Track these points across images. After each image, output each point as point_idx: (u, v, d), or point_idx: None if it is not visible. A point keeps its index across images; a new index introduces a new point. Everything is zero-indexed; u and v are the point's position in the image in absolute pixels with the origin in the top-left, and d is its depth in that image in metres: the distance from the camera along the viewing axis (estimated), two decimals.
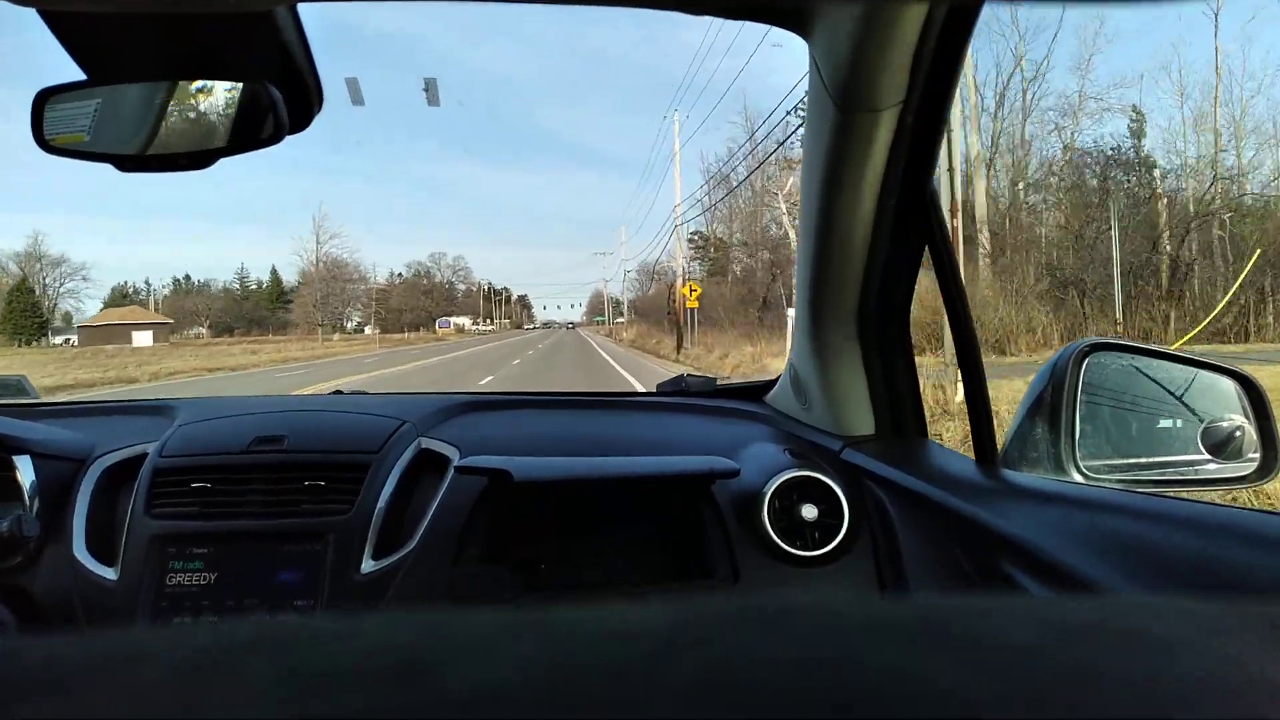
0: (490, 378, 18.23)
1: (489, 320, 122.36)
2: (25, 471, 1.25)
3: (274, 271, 75.56)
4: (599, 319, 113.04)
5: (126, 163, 0.87)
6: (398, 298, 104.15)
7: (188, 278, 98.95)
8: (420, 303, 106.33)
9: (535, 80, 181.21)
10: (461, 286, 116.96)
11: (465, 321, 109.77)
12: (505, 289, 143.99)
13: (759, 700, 0.21)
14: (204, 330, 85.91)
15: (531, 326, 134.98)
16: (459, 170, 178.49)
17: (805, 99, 1.15)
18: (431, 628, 0.26)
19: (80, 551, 1.22)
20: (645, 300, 59.96)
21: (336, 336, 62.92)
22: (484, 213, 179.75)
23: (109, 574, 1.21)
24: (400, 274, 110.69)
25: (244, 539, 1.22)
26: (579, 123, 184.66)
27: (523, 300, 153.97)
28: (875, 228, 1.15)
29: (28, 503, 1.24)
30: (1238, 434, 1.03)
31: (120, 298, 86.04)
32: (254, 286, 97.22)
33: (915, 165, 1.08)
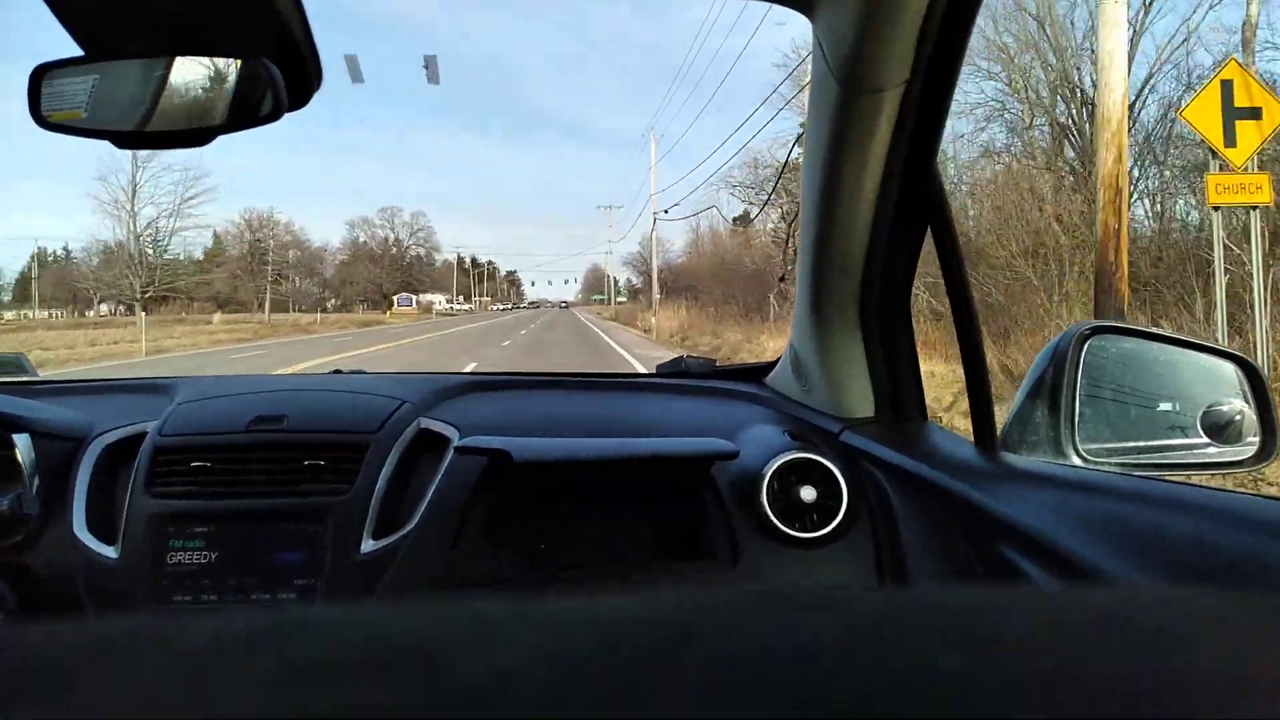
0: None
1: (464, 299, 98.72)
2: (25, 450, 1.25)
3: (216, 237, 60.82)
4: (598, 297, 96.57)
5: (125, 139, 0.86)
6: (336, 268, 79.63)
7: (120, 245, 78.94)
8: (365, 273, 79.67)
9: (534, 57, 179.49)
10: (421, 251, 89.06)
11: (439, 299, 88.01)
12: (490, 262, 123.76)
13: (765, 690, 0.21)
14: (101, 308, 61.14)
15: (505, 307, 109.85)
16: (454, 147, 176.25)
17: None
18: (436, 617, 0.26)
19: (80, 530, 1.22)
20: (699, 262, 37.07)
21: (217, 318, 44.09)
22: (477, 189, 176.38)
23: (109, 552, 1.21)
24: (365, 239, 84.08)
25: (244, 518, 1.22)
26: (579, 100, 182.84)
27: (511, 277, 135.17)
28: (878, 209, 1.15)
29: (27, 481, 1.24)
30: (1237, 418, 1.03)
31: (39, 265, 69.59)
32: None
33: (919, 145, 1.07)
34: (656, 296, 34.51)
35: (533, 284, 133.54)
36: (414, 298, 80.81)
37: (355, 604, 0.27)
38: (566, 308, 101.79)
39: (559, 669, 0.22)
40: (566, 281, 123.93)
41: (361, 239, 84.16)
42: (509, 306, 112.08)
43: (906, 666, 0.22)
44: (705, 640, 0.23)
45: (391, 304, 77.21)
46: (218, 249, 63.66)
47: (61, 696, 0.21)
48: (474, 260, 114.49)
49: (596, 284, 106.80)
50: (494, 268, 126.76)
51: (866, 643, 0.24)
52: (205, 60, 0.82)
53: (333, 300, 76.68)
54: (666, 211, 33.14)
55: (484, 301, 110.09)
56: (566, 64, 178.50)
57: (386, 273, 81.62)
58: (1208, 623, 0.26)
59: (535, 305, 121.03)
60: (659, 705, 0.20)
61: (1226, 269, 7.34)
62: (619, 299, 76.07)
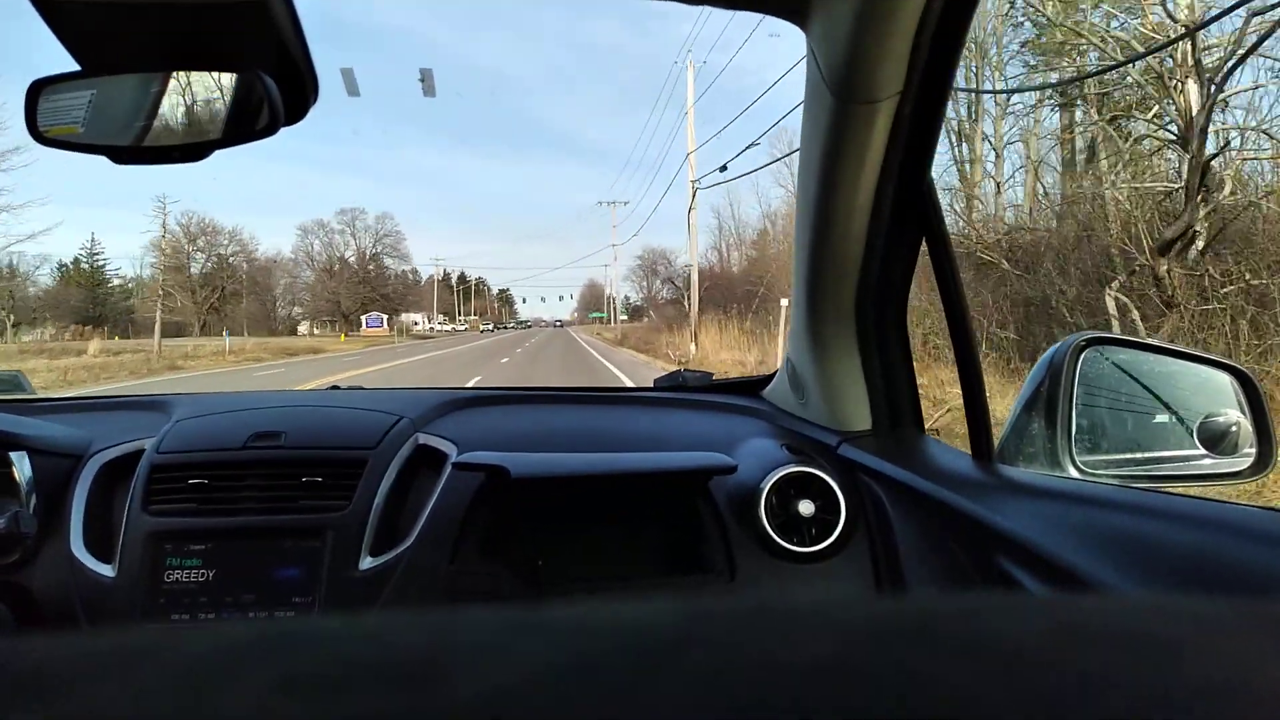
0: None
1: (448, 318, 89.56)
2: (22, 468, 1.25)
3: (162, 249, 48.31)
4: (596, 315, 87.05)
5: (121, 154, 0.86)
6: (311, 284, 66.49)
7: (76, 262, 59.82)
8: (321, 288, 66.15)
9: (530, 72, 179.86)
10: (390, 261, 71.64)
11: (420, 319, 78.05)
12: (479, 279, 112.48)
13: (763, 702, 0.21)
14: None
15: (487, 327, 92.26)
16: (446, 162, 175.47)
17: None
18: (433, 629, 0.26)
19: (78, 548, 1.22)
20: (772, 258, 25.64)
21: (93, 346, 30.83)
22: (467, 203, 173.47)
23: (107, 571, 1.20)
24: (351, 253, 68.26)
25: (242, 536, 1.22)
26: (574, 113, 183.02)
27: (504, 295, 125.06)
28: (873, 220, 1.15)
29: (25, 499, 1.23)
30: (1234, 429, 1.03)
31: None
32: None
33: (913, 157, 1.07)
34: (695, 306, 23.97)
35: (523, 301, 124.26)
36: (384, 317, 66.47)
37: (354, 615, 0.27)
38: (561, 327, 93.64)
39: (557, 679, 0.22)
40: (561, 298, 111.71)
41: (315, 247, 68.55)
42: (490, 327, 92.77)
43: (903, 677, 0.22)
44: (704, 652, 0.23)
45: (359, 324, 64.99)
46: (178, 266, 52.50)
47: (60, 706, 0.21)
48: (462, 276, 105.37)
49: (594, 301, 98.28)
50: (483, 284, 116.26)
51: (863, 654, 0.23)
52: (202, 75, 0.83)
53: (304, 320, 66.93)
54: (724, 168, 18.41)
55: (471, 321, 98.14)
56: (563, 77, 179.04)
57: (346, 288, 66.58)
58: (1208, 632, 0.26)
59: (525, 324, 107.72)
60: (658, 715, 0.20)
61: None
62: (620, 317, 64.12)
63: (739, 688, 0.21)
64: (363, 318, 65.94)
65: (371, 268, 70.35)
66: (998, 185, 15.71)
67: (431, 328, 79.05)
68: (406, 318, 75.02)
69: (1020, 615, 0.27)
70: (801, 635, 0.25)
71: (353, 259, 70.04)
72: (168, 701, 0.21)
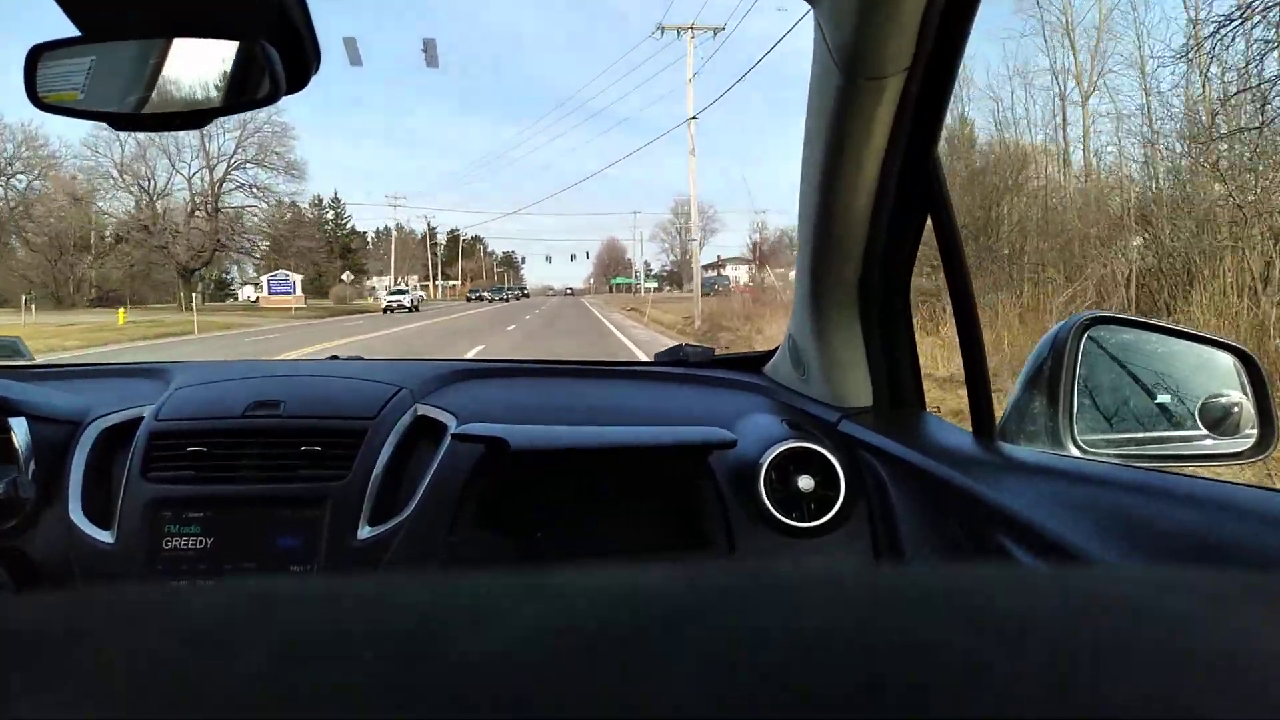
0: None
1: (405, 281, 54.71)
2: (20, 433, 1.25)
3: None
4: (621, 281, 71.37)
5: (121, 121, 0.86)
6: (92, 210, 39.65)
7: None
8: (135, 225, 39.31)
9: (541, 36, 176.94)
10: (279, 185, 42.35)
11: (382, 284, 52.86)
12: (476, 237, 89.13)
13: (761, 668, 0.21)
14: None
15: (397, 303, 36.90)
16: (451, 128, 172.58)
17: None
18: (432, 592, 0.26)
19: (76, 514, 1.22)
20: None
21: None
22: (469, 168, 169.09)
23: (105, 537, 1.21)
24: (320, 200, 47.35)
25: (241, 504, 1.22)
26: (584, 79, 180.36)
27: (509, 257, 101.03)
28: (878, 197, 1.14)
29: (23, 465, 1.24)
30: (1235, 410, 1.03)
31: None
32: None
33: (920, 134, 1.07)
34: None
35: (523, 260, 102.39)
36: (296, 279, 42.54)
37: (354, 578, 0.27)
38: (573, 295, 74.10)
39: (555, 643, 0.22)
40: (574, 258, 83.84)
41: (126, 155, 39.39)
42: (404, 300, 39.37)
43: (906, 647, 0.22)
44: (703, 618, 0.23)
45: (217, 285, 42.74)
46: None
47: (67, 665, 0.21)
48: (456, 234, 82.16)
49: (615, 264, 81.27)
50: (477, 243, 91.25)
51: (865, 624, 0.24)
52: (203, 42, 0.82)
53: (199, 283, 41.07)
54: None
55: (457, 287, 74.37)
56: (571, 41, 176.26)
57: (189, 228, 39.64)
58: (1207, 603, 0.26)
59: (505, 295, 64.28)
60: (657, 681, 0.20)
61: None
62: (649, 285, 44.19)
63: (737, 655, 0.22)
64: (264, 279, 42.23)
65: (229, 194, 41.08)
66: None
67: (376, 298, 52.18)
68: (378, 282, 55.79)
69: (1024, 587, 0.27)
70: (802, 604, 0.25)
71: (198, 178, 40.77)
72: (168, 661, 0.21)
